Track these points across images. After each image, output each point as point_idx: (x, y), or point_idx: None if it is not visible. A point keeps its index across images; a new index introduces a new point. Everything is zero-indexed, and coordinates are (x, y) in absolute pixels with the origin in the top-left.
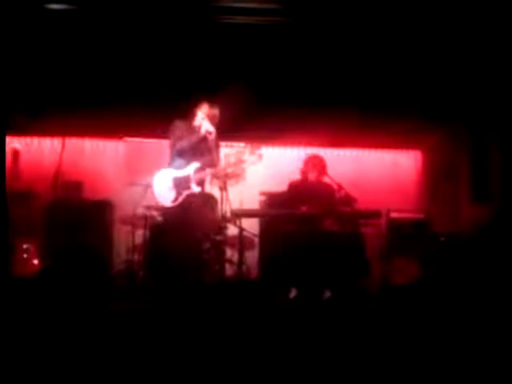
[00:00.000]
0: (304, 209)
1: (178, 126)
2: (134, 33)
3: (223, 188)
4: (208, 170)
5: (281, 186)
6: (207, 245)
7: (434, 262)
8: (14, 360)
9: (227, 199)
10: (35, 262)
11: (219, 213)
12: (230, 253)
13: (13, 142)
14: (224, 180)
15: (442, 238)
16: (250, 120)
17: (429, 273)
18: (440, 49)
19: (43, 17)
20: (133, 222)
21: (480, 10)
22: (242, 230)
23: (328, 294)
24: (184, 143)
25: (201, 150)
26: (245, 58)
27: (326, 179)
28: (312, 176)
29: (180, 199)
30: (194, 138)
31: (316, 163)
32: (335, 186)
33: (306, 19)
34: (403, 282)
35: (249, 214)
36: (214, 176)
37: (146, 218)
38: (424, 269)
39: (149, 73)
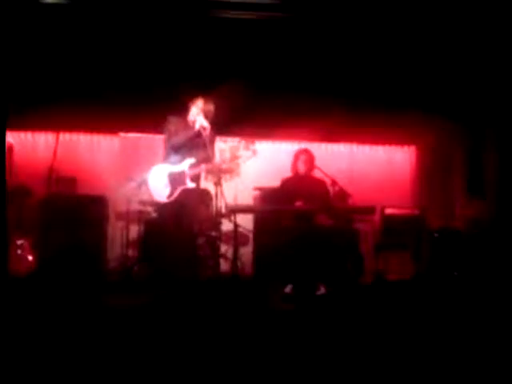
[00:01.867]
0: (299, 204)
1: (173, 121)
2: (130, 27)
3: (218, 183)
4: (203, 166)
5: (275, 181)
6: (202, 240)
7: (428, 257)
8: (9, 357)
9: (222, 195)
10: (29, 257)
11: (214, 208)
12: (225, 248)
13: (6, 137)
14: (219, 175)
15: (436, 234)
16: (245, 115)
17: (423, 269)
18: (437, 45)
19: (38, 11)
20: (127, 217)
21: (477, 7)
22: (236, 225)
23: (322, 289)
24: (179, 139)
25: (196, 145)
26: (240, 53)
27: (319, 174)
28: (302, 170)
29: (175, 195)
30: (188, 134)
31: (305, 157)
32: (329, 181)
33: (303, 14)
34: (397, 278)
35: (244, 209)
36: (209, 171)
37: (140, 213)
38: (418, 264)
39: (144, 67)
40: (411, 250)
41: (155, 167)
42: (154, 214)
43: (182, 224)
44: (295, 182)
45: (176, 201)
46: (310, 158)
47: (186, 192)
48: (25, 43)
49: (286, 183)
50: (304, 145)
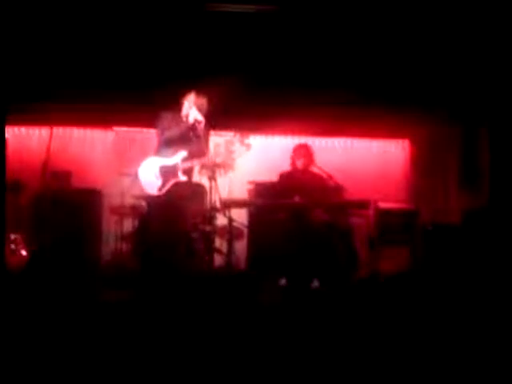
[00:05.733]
0: (297, 199)
1: (166, 116)
2: (126, 22)
3: (212, 177)
4: (196, 160)
5: (269, 176)
6: (196, 234)
7: (422, 251)
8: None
9: (216, 189)
10: (23, 252)
11: (208, 203)
12: (219, 242)
13: None
14: (213, 169)
15: (430, 228)
16: (240, 109)
17: (417, 262)
18: (432, 39)
19: (33, 4)
20: (122, 211)
21: (474, 7)
22: (231, 219)
23: (316, 283)
24: (172, 132)
25: (189, 139)
26: (235, 47)
27: (314, 169)
28: (301, 165)
29: (166, 187)
30: (181, 127)
31: (304, 152)
32: (324, 176)
33: (298, 8)
34: (391, 272)
35: (238, 203)
36: (204, 166)
37: (134, 207)
38: (412, 258)
39: (139, 62)
40: (405, 244)
41: (147, 159)
42: (148, 208)
43: (176, 218)
44: (293, 177)
45: (170, 195)
46: (308, 153)
47: (178, 185)
48: (19, 38)
49: (283, 177)
50: (298, 139)
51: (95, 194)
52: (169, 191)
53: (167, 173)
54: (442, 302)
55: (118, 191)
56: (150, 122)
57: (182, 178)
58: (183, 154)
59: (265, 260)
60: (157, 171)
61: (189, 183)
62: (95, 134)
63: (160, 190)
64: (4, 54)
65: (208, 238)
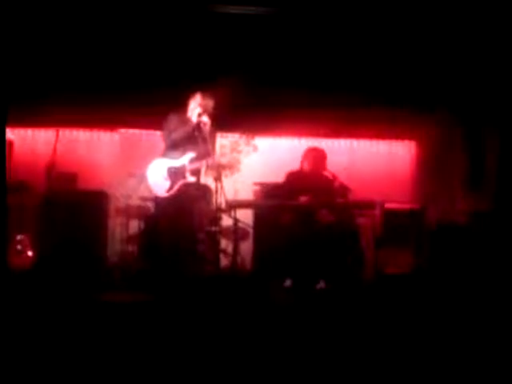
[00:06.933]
0: (303, 199)
1: (173, 118)
2: (129, 23)
3: (218, 179)
4: (204, 161)
5: (275, 177)
6: (202, 235)
7: (429, 252)
8: (7, 354)
9: (222, 190)
10: (29, 253)
11: (214, 203)
12: (225, 243)
13: (6, 133)
14: (219, 170)
15: (436, 228)
16: (245, 111)
17: (423, 263)
18: (435, 39)
19: (38, 5)
20: (128, 213)
21: (478, 6)
22: (236, 220)
23: (322, 283)
24: (178, 134)
25: (195, 140)
26: (240, 49)
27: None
28: (311, 168)
29: (175, 188)
30: (188, 129)
31: (317, 156)
32: (330, 177)
33: (304, 9)
34: (397, 272)
35: (243, 204)
36: (209, 167)
37: (140, 208)
38: (418, 259)
39: (144, 63)
40: (411, 245)
41: (155, 161)
42: (155, 210)
43: (182, 219)
44: (299, 177)
45: (176, 196)
46: (321, 158)
47: (186, 187)
48: (24, 39)
49: (290, 177)
50: (304, 140)
51: (101, 196)
52: (177, 192)
53: (175, 174)
54: (447, 301)
55: (124, 193)
56: (155, 124)
57: (191, 178)
58: (191, 155)
59: (270, 261)
60: (165, 173)
61: (197, 184)
62: (101, 135)
63: (169, 191)
64: (9, 54)
65: (214, 239)
